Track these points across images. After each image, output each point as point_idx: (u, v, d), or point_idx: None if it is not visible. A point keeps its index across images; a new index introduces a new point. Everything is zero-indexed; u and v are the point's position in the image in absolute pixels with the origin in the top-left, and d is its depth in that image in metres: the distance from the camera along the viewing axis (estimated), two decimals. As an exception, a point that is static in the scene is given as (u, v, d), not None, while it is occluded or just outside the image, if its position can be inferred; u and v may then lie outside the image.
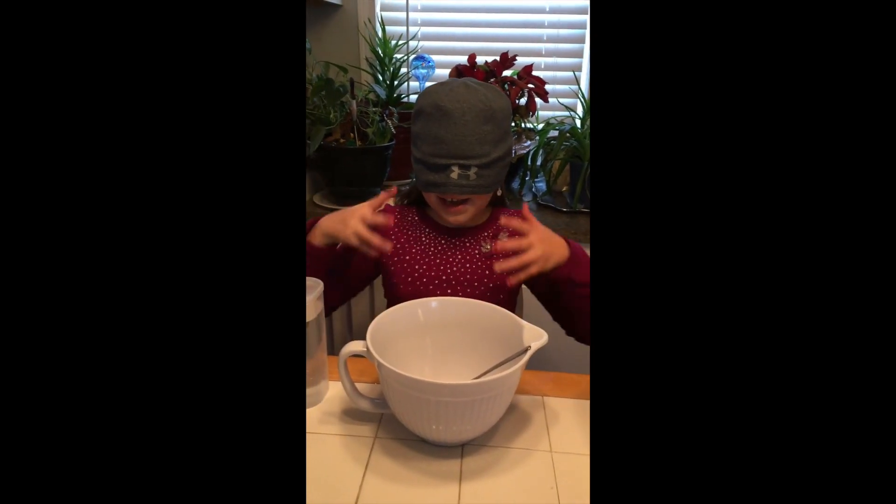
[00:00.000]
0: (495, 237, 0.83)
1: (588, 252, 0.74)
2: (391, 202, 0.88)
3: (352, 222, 0.71)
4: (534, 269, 0.67)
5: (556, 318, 0.83)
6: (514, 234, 0.82)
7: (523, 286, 0.87)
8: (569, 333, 0.82)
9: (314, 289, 0.60)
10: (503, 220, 0.74)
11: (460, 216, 0.79)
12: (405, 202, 0.90)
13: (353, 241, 0.71)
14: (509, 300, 0.83)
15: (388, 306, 0.87)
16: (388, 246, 0.72)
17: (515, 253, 0.68)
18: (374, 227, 0.71)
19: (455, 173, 0.73)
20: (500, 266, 0.68)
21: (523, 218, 0.71)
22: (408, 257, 0.83)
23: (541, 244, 0.68)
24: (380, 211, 0.76)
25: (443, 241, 0.84)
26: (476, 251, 0.82)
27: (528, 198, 1.44)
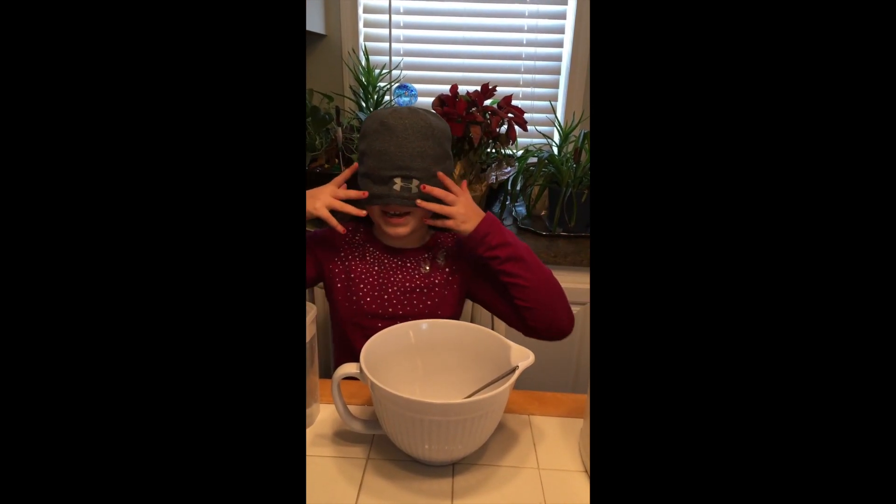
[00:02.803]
0: (434, 258, 0.87)
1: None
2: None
3: (322, 196, 0.79)
4: (450, 223, 0.78)
5: (509, 321, 0.84)
6: (452, 254, 0.88)
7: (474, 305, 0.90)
8: (527, 332, 0.82)
9: (308, 312, 0.61)
10: (436, 190, 0.78)
11: (401, 228, 0.81)
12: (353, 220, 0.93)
13: (323, 213, 0.79)
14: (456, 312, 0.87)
15: (332, 323, 0.90)
16: (341, 229, 0.80)
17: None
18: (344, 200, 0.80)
19: (398, 185, 0.78)
20: (422, 203, 0.78)
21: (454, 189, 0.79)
22: (352, 275, 0.86)
23: (464, 206, 0.79)
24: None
25: (386, 261, 0.87)
26: (417, 272, 0.86)
27: (508, 222, 1.48)
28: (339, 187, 0.82)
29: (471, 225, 0.78)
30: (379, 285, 0.85)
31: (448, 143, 0.83)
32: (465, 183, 0.82)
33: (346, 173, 0.82)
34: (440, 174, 0.80)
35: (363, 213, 0.80)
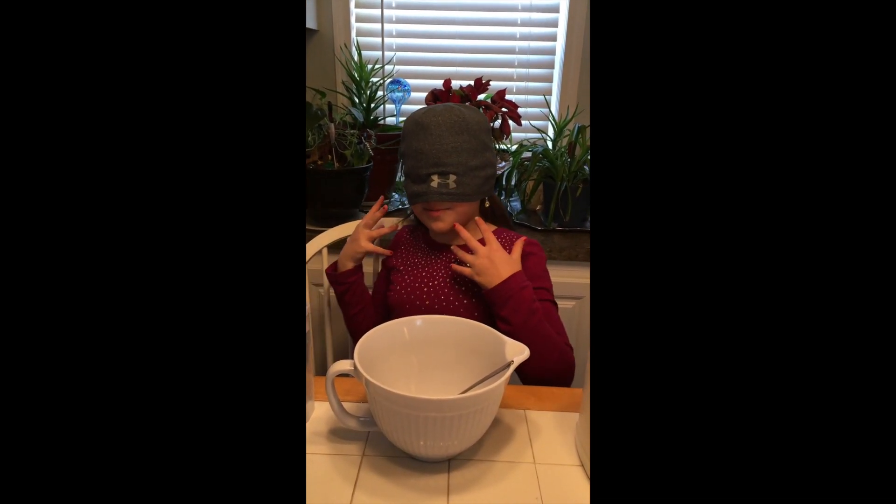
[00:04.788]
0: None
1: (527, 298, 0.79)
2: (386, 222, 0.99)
3: (361, 239, 0.89)
4: (467, 270, 0.81)
5: None
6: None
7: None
8: None
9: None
10: (463, 231, 0.83)
11: (440, 223, 0.85)
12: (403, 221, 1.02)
13: (369, 248, 0.89)
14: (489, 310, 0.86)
15: (383, 313, 0.95)
16: (388, 252, 0.91)
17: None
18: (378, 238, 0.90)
19: (435, 182, 0.81)
20: (456, 250, 0.83)
21: (485, 234, 0.82)
22: (402, 268, 0.92)
23: (482, 264, 0.79)
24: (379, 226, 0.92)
25: (432, 255, 0.91)
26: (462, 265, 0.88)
27: (503, 217, 1.48)
28: (369, 226, 0.90)
29: (487, 281, 0.78)
30: (422, 278, 0.88)
31: (486, 134, 0.84)
32: (496, 242, 0.81)
33: (372, 212, 0.91)
34: (479, 220, 0.83)
35: (389, 252, 0.92)
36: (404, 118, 0.87)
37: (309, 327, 0.63)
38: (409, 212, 0.99)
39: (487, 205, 0.92)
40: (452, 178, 0.80)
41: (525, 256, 0.86)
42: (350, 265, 0.90)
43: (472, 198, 0.83)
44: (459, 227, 0.82)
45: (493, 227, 0.93)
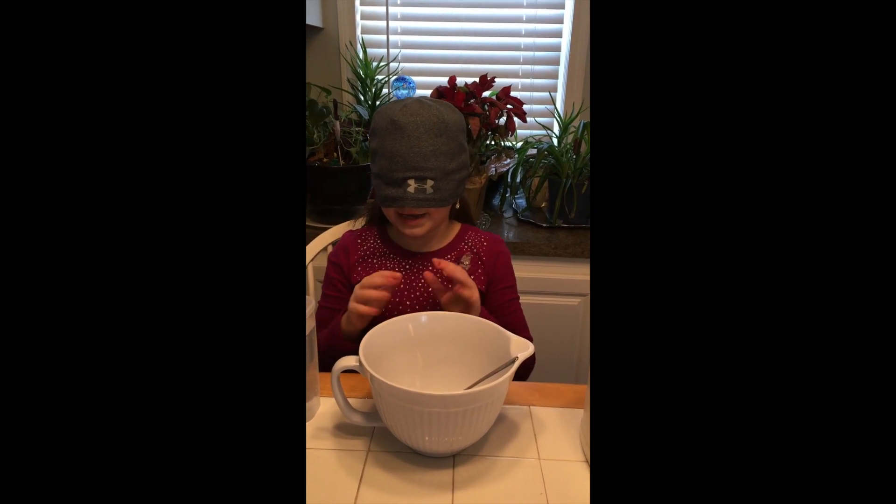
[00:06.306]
0: (458, 261, 0.84)
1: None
2: (356, 226, 0.91)
3: (353, 301, 0.75)
4: (460, 291, 0.73)
5: None
6: (477, 258, 0.85)
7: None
8: None
9: (307, 306, 0.61)
10: (442, 265, 0.73)
11: (417, 230, 0.79)
12: (366, 223, 0.91)
13: (363, 309, 0.74)
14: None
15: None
16: (386, 295, 0.74)
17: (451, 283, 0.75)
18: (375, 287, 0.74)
19: (412, 187, 0.75)
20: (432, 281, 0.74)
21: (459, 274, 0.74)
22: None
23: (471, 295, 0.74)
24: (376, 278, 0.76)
25: (406, 265, 0.84)
26: (439, 275, 0.82)
27: (508, 214, 1.48)
28: (366, 285, 0.75)
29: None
30: (400, 291, 0.82)
31: (463, 135, 0.79)
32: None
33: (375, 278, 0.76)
34: (444, 263, 0.74)
35: (386, 296, 0.74)
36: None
37: (313, 324, 0.63)
38: (357, 217, 0.91)
39: (458, 206, 0.88)
40: (430, 182, 0.75)
41: (496, 256, 0.85)
42: (360, 326, 0.76)
43: (449, 202, 0.78)
44: (453, 270, 0.73)
45: (460, 226, 0.89)
